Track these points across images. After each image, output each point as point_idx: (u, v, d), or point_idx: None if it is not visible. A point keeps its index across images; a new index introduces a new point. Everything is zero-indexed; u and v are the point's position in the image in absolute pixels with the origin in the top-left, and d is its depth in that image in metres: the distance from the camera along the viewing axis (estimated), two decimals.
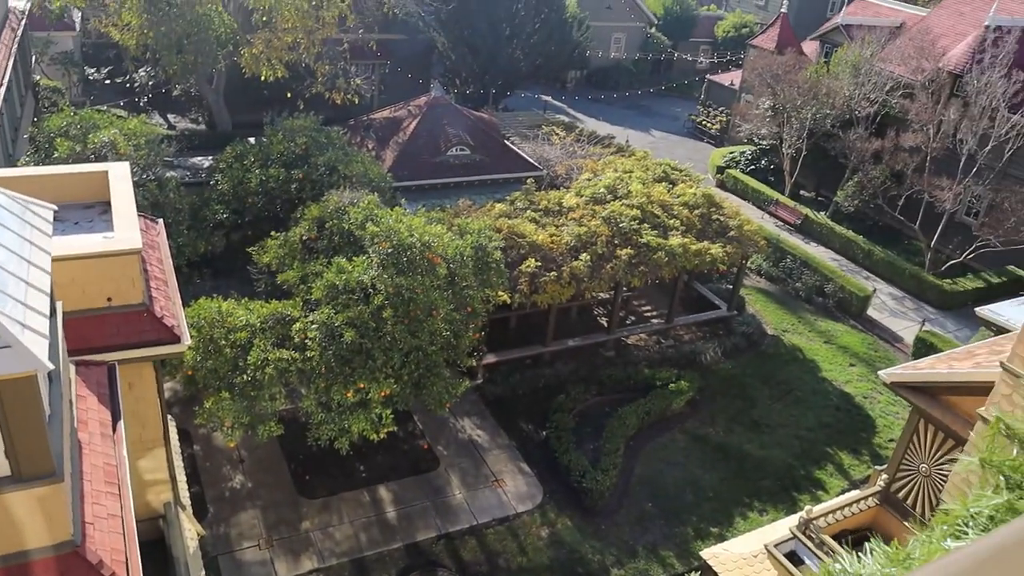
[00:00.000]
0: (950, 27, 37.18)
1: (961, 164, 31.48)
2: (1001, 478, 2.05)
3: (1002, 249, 30.92)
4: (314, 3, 30.67)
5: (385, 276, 17.75)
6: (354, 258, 18.62)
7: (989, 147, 30.69)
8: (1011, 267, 32.97)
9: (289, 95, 34.36)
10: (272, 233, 21.95)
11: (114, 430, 9.04)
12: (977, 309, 22.49)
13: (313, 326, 17.64)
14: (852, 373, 27.64)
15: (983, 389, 12.85)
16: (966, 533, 1.98)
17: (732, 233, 26.75)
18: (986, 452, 2.08)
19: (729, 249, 26.30)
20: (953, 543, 2.02)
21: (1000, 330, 19.27)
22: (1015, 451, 1.98)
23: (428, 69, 45.09)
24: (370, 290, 17.94)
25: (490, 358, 24.77)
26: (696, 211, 27.03)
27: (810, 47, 45.18)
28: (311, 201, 23.02)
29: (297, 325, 17.96)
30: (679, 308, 28.37)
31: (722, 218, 27.21)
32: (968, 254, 31.96)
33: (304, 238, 21.11)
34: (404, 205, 25.39)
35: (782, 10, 46.63)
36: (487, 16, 42.01)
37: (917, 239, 34.28)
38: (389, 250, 18.08)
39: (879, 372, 16.32)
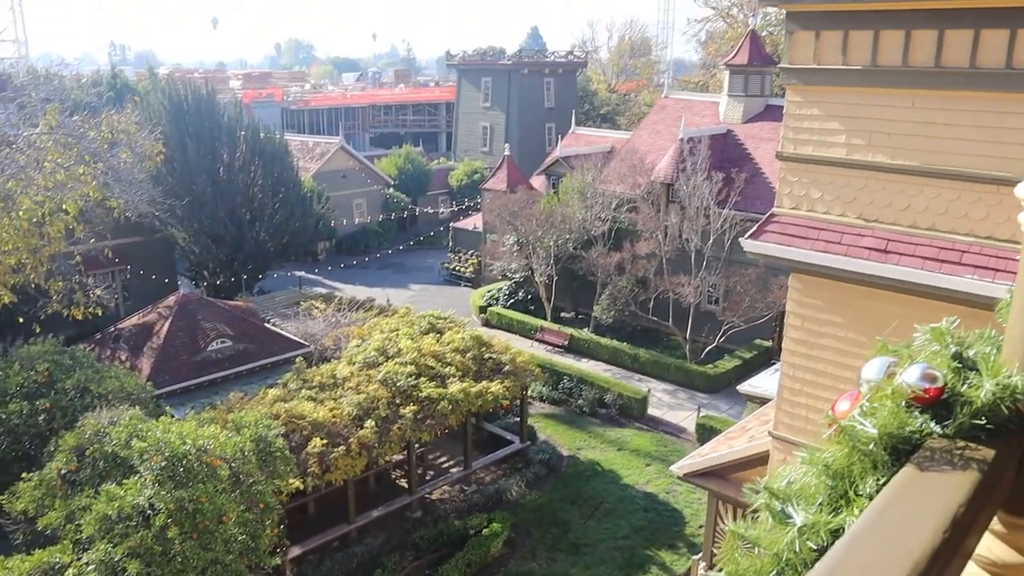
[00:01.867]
0: (652, 144, 41.55)
1: (692, 260, 34.69)
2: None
3: (746, 327, 34.03)
4: (35, 220, 28.94)
5: (163, 492, 16.44)
6: (124, 481, 17.14)
7: (711, 241, 34.15)
8: (758, 340, 36.28)
9: (22, 320, 31.80)
10: (24, 475, 19.78)
11: None
12: (739, 387, 24.45)
13: (89, 567, 15.86)
14: (650, 473, 28.71)
15: (763, 460, 13.80)
16: None
17: (507, 368, 27.48)
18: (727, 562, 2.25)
19: (507, 383, 26.93)
20: None
21: (763, 400, 20.96)
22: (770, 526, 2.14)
23: (173, 266, 43.71)
24: (149, 511, 16.50)
25: (295, 550, 23.36)
26: (468, 354, 27.58)
27: (538, 181, 48.61)
28: (65, 430, 21.09)
29: (71, 571, 16.07)
30: (474, 452, 28.44)
31: (494, 355, 27.94)
32: (720, 337, 34.84)
33: (63, 472, 19.18)
34: (171, 412, 23.95)
35: (505, 153, 50.04)
36: (225, 204, 41.68)
37: (674, 334, 36.94)
38: (162, 463, 16.83)
39: (671, 467, 17.11)
